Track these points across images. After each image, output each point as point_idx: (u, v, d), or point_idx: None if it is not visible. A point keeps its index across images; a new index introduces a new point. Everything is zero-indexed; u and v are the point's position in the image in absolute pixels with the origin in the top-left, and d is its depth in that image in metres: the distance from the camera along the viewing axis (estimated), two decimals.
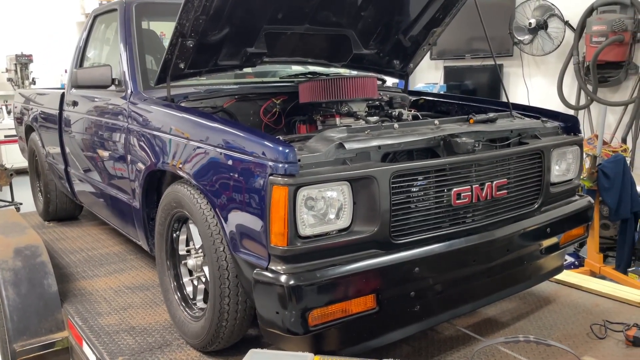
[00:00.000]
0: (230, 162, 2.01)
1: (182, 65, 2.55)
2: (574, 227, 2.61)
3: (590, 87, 5.44)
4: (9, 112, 8.81)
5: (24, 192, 6.26)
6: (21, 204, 6.81)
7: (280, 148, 1.82)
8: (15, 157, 7.48)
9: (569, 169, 2.60)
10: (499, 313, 2.69)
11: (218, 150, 2.08)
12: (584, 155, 4.41)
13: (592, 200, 2.72)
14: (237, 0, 2.42)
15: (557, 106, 5.64)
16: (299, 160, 1.82)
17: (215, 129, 2.16)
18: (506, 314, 2.69)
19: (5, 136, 8.69)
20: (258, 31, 2.71)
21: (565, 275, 3.02)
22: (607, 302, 2.82)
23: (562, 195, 2.57)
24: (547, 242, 2.47)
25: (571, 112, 5.58)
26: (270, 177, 1.81)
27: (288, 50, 3.01)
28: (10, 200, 6.91)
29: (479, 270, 2.24)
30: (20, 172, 6.78)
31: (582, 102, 5.69)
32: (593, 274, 4.24)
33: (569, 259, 4.58)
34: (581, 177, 4.25)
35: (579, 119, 5.63)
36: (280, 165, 1.80)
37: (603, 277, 4.10)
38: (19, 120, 5.05)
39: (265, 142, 1.89)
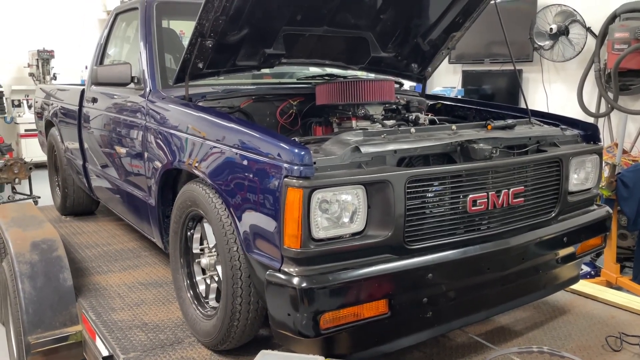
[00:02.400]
0: (245, 163, 2.02)
1: (200, 65, 2.56)
2: (592, 237, 2.57)
3: (611, 95, 5.36)
4: (29, 107, 8.94)
5: (42, 186, 6.36)
6: (39, 197, 6.91)
7: (296, 150, 1.82)
8: (34, 151, 7.60)
9: (587, 178, 2.57)
10: (512, 322, 2.67)
11: (234, 150, 2.09)
12: (603, 164, 4.36)
13: (611, 210, 2.68)
14: (257, 1, 2.43)
15: (576, 113, 5.58)
16: (315, 163, 1.82)
17: (231, 129, 2.17)
18: (520, 323, 2.66)
19: (26, 130, 8.83)
20: (277, 32, 2.72)
21: (581, 286, 2.98)
22: (623, 314, 2.78)
23: (580, 205, 2.54)
24: (563, 252, 2.44)
25: (591, 119, 5.52)
26: (285, 179, 1.81)
27: (306, 51, 3.01)
28: (28, 193, 7.02)
29: (494, 278, 2.22)
30: (39, 166, 6.88)
31: (602, 109, 5.62)
32: (609, 284, 4.17)
33: (585, 269, 4.52)
34: (600, 186, 4.20)
35: (599, 127, 5.58)
36: (296, 167, 1.80)
37: (619, 288, 4.05)
38: (39, 115, 5.12)
39: (281, 144, 1.89)
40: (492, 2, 2.72)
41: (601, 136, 5.27)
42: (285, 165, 1.83)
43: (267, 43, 2.74)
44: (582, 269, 4.43)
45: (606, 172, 4.25)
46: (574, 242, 2.46)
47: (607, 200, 4.25)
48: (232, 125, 2.18)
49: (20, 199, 6.87)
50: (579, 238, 2.48)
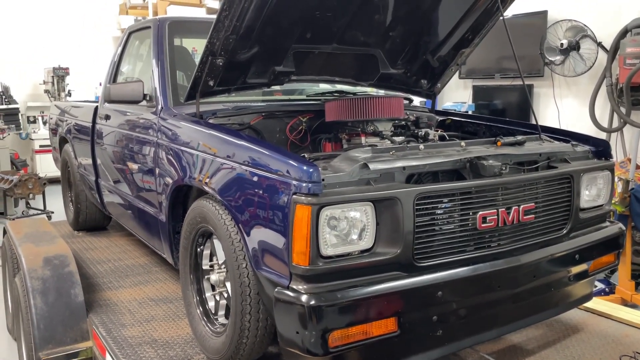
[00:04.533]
0: (254, 179, 2.03)
1: (211, 83, 2.60)
2: (604, 254, 2.54)
3: (623, 110, 5.32)
4: (44, 123, 9.07)
5: (56, 201, 6.42)
6: (53, 212, 6.98)
7: (305, 167, 1.83)
8: (49, 167, 7.70)
9: (599, 194, 2.54)
10: (524, 340, 2.63)
11: (243, 167, 2.11)
12: (616, 179, 4.32)
13: (624, 227, 2.65)
14: (267, 20, 2.46)
15: (588, 128, 5.53)
16: (323, 180, 1.83)
17: (241, 146, 2.18)
18: (532, 341, 2.63)
19: (40, 146, 8.96)
20: (286, 50, 2.75)
21: (595, 303, 2.94)
22: (637, 333, 2.73)
23: (592, 221, 2.52)
24: (575, 269, 2.41)
25: (603, 134, 5.47)
26: (294, 196, 1.81)
27: (316, 69, 3.03)
28: (42, 208, 7.09)
29: (504, 296, 2.19)
30: (53, 181, 6.96)
31: (615, 124, 5.57)
32: (624, 301, 4.11)
33: (600, 286, 4.46)
34: (613, 201, 4.15)
35: (612, 142, 5.53)
36: (304, 184, 1.81)
37: (634, 306, 3.98)
38: (53, 132, 5.20)
39: (290, 161, 1.90)
40: (501, 17, 2.72)
41: (614, 151, 5.20)
42: (294, 182, 1.84)
43: (277, 61, 2.77)
44: (596, 286, 4.38)
45: (619, 188, 4.21)
46: (586, 260, 2.43)
47: (620, 216, 4.20)
48: (241, 142, 2.20)
49: (34, 214, 6.94)
50: (591, 255, 2.45)
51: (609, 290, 4.46)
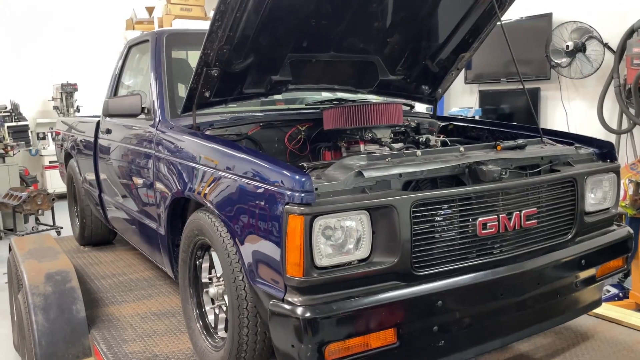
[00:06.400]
0: (248, 190, 2.00)
1: (207, 94, 2.58)
2: (612, 258, 2.47)
3: (632, 111, 5.23)
4: (54, 139, 9.15)
5: (65, 217, 6.44)
6: (62, 227, 7.01)
7: (297, 177, 1.80)
8: (58, 183, 7.72)
9: (605, 197, 2.48)
10: (532, 349, 2.56)
11: (237, 178, 2.08)
12: (627, 182, 4.23)
13: (632, 230, 2.57)
14: (261, 30, 2.44)
15: (597, 130, 5.45)
16: (316, 189, 1.79)
17: (235, 157, 2.16)
18: (540, 350, 2.55)
19: (50, 162, 9.03)
20: (282, 59, 2.73)
21: (605, 310, 2.86)
22: None
23: (598, 225, 2.45)
24: (582, 275, 2.34)
25: (613, 136, 5.38)
26: (287, 206, 1.78)
27: (314, 77, 3.01)
28: (51, 224, 7.13)
29: (508, 304, 2.13)
30: (62, 197, 6.99)
31: (624, 125, 5.48)
32: (638, 307, 4.00)
33: (613, 291, 4.35)
34: (624, 204, 4.07)
35: (621, 144, 5.44)
36: (297, 194, 1.77)
37: None
38: (59, 147, 5.22)
39: (283, 171, 1.87)
40: (499, 23, 2.68)
41: (624, 153, 5.12)
42: (287, 192, 1.80)
43: (274, 70, 2.75)
44: (609, 291, 4.28)
45: (630, 190, 4.12)
46: (592, 265, 2.36)
47: (632, 219, 4.11)
48: (235, 153, 2.18)
49: (43, 230, 6.98)
50: (598, 260, 2.39)
51: (623, 295, 4.35)
